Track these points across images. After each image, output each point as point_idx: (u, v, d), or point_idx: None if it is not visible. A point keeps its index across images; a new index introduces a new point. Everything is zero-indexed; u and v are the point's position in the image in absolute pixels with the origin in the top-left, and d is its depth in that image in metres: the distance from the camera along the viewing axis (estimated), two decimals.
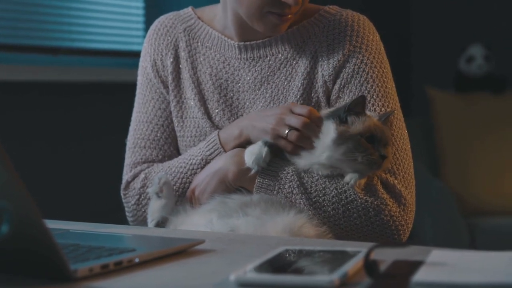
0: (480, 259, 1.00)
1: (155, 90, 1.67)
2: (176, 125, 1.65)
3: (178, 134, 1.65)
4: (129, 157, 1.67)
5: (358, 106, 1.43)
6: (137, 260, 1.04)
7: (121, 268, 1.01)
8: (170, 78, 1.65)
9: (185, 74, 1.65)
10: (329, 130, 1.43)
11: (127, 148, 1.69)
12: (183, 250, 1.13)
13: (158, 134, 1.65)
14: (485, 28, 4.38)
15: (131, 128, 1.70)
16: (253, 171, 1.47)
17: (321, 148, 1.43)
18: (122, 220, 1.69)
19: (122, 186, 1.66)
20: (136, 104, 1.71)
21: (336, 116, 1.44)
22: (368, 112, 1.48)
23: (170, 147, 1.66)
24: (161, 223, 1.52)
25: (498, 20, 4.38)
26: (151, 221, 1.54)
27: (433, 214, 3.61)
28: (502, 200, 3.77)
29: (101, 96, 3.05)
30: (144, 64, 1.70)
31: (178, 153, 1.66)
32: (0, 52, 2.76)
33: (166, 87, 1.66)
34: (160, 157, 1.65)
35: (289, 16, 1.51)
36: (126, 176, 1.66)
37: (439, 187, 3.62)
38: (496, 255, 0.99)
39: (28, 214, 0.93)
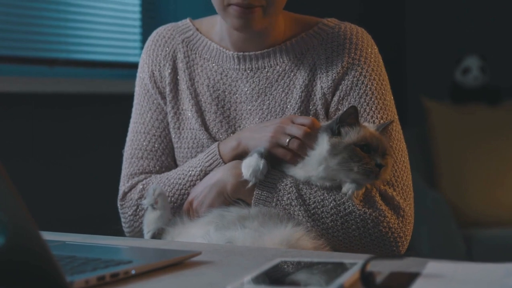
0: (476, 270, 1.00)
1: (153, 101, 1.67)
2: (173, 136, 1.65)
3: (175, 145, 1.65)
4: (126, 168, 1.67)
5: (350, 117, 1.43)
6: (133, 272, 1.04)
7: (117, 280, 1.01)
8: (167, 89, 1.66)
9: (183, 86, 1.65)
10: (323, 144, 1.43)
11: (124, 159, 1.69)
12: (180, 262, 1.13)
13: (156, 145, 1.65)
14: (481, 40, 4.39)
15: (128, 139, 1.70)
16: (250, 184, 1.47)
17: (317, 160, 1.43)
18: (119, 232, 1.68)
19: (119, 196, 1.65)
20: (133, 115, 1.71)
21: (329, 129, 1.44)
22: (365, 123, 1.48)
23: (168, 158, 1.66)
24: (157, 234, 1.52)
25: (493, 31, 4.39)
26: (147, 232, 1.53)
27: (429, 225, 3.61)
28: (498, 211, 3.77)
29: (97, 107, 3.05)
30: (142, 75, 1.70)
31: (175, 164, 1.66)
32: None
33: (163, 98, 1.66)
34: (157, 168, 1.65)
35: (254, 9, 1.49)
36: (123, 187, 1.65)
37: (435, 198, 3.62)
38: (492, 267, 0.99)
39: (24, 226, 0.93)
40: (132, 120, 1.70)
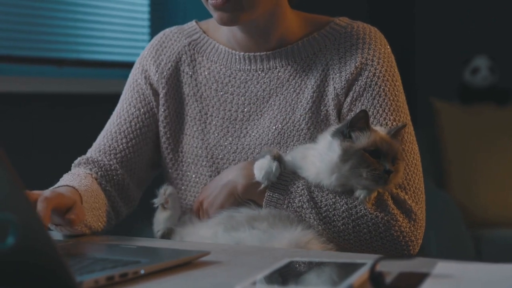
0: (486, 271, 0.99)
1: (141, 99, 1.68)
2: (164, 136, 1.64)
3: (165, 144, 1.64)
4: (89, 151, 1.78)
5: (360, 121, 1.41)
6: (142, 271, 1.04)
7: (126, 280, 1.01)
8: (165, 89, 1.64)
9: (186, 90, 1.64)
10: (334, 148, 1.41)
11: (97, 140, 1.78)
12: (189, 262, 1.13)
13: (124, 143, 1.70)
14: (490, 40, 4.38)
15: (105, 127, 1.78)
16: (262, 186, 1.45)
17: (330, 168, 1.41)
18: (126, 231, 1.68)
19: None
20: (118, 105, 1.74)
21: (339, 133, 1.42)
22: (377, 127, 1.46)
23: (132, 155, 1.67)
24: (166, 234, 1.52)
25: (502, 31, 4.38)
26: (157, 232, 1.54)
27: (438, 225, 3.60)
28: (508, 212, 3.76)
29: (106, 107, 3.04)
30: (137, 71, 1.69)
31: (140, 162, 1.67)
32: (5, 63, 2.77)
33: (156, 99, 1.65)
34: (113, 161, 1.71)
35: (222, 3, 1.48)
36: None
37: (444, 198, 3.61)
38: (502, 267, 0.99)
39: (34, 226, 0.93)
40: (115, 111, 1.75)
